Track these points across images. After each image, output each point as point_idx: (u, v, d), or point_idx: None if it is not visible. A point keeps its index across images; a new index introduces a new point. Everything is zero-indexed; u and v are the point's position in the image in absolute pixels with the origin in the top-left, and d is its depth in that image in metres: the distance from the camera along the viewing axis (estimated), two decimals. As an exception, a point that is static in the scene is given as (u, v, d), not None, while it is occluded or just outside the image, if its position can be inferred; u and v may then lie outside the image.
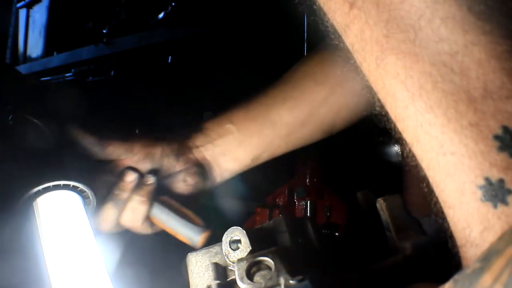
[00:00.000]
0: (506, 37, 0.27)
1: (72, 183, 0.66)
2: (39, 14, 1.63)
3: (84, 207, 0.69)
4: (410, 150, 0.31)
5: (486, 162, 0.26)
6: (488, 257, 0.25)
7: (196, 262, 0.50)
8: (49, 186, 0.65)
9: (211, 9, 1.04)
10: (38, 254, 0.64)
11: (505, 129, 0.26)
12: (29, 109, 0.71)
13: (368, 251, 0.56)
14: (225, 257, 0.47)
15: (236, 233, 0.46)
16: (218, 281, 0.47)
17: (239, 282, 0.42)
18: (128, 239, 0.82)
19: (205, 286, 0.48)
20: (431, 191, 0.30)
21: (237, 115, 0.73)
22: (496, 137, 0.26)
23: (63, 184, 0.66)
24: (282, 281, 0.39)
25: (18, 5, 1.71)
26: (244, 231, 0.46)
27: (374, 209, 0.50)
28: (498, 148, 0.26)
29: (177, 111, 1.15)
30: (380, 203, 0.47)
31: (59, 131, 0.69)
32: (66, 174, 0.66)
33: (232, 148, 0.71)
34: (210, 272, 0.49)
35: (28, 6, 1.67)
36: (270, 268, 0.42)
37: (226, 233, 0.47)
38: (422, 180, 0.31)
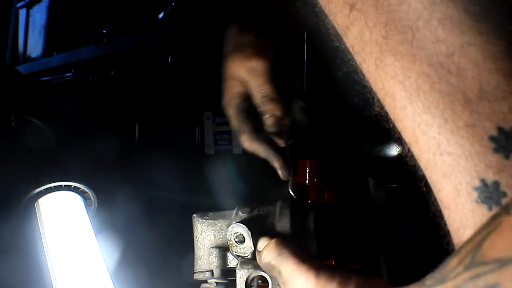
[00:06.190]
0: (502, 38, 0.27)
1: (73, 184, 0.66)
2: (39, 14, 1.63)
3: (85, 207, 0.69)
4: (409, 150, 0.31)
5: (481, 163, 0.26)
6: (460, 247, 0.26)
7: (202, 232, 0.55)
8: (51, 187, 0.65)
9: (211, 9, 1.04)
10: (39, 254, 0.64)
11: (500, 130, 0.26)
12: (29, 109, 0.72)
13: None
14: (229, 247, 0.50)
15: (241, 231, 0.48)
16: (219, 269, 0.53)
17: None
18: (128, 239, 0.82)
19: (208, 268, 0.53)
20: (429, 190, 0.30)
21: None
22: (492, 138, 0.26)
23: (64, 185, 0.66)
24: None
25: (18, 5, 1.70)
26: (249, 232, 0.48)
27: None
28: (494, 150, 0.26)
29: (177, 111, 1.15)
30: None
31: (60, 131, 0.70)
32: (67, 175, 0.66)
33: None
34: (213, 257, 0.53)
35: (28, 6, 1.67)
36: (267, 283, 0.47)
37: (232, 226, 0.49)
38: (421, 180, 0.31)
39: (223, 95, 0.66)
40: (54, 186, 0.65)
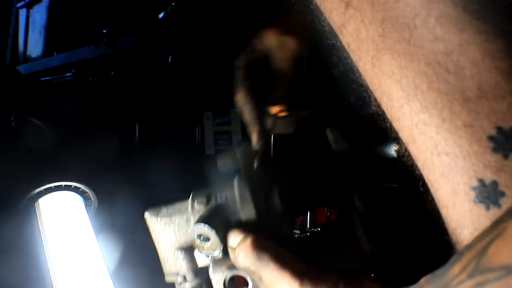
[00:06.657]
0: (500, 36, 0.26)
1: (73, 184, 0.67)
2: (39, 14, 1.63)
3: (86, 207, 0.69)
4: (406, 149, 0.31)
5: (480, 163, 0.26)
6: (461, 253, 0.25)
7: (160, 233, 0.50)
8: (51, 187, 0.65)
9: (211, 9, 1.04)
10: (39, 254, 0.64)
11: (499, 129, 0.25)
12: (29, 109, 0.72)
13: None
14: (196, 248, 0.46)
15: (203, 231, 0.44)
16: (191, 271, 0.48)
17: None
18: (128, 239, 0.82)
19: (177, 272, 0.49)
20: (426, 190, 0.30)
21: None
22: (490, 138, 0.25)
23: (64, 185, 0.66)
24: None
25: (18, 5, 1.70)
26: (213, 231, 0.43)
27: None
28: (492, 149, 0.25)
29: (177, 111, 1.15)
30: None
31: (60, 131, 0.70)
32: (67, 175, 0.67)
33: None
34: (181, 260, 0.49)
35: (28, 6, 1.67)
36: (246, 283, 0.42)
37: (192, 229, 0.45)
38: (418, 179, 0.31)
39: (246, 48, 0.66)
40: (54, 186, 0.65)
